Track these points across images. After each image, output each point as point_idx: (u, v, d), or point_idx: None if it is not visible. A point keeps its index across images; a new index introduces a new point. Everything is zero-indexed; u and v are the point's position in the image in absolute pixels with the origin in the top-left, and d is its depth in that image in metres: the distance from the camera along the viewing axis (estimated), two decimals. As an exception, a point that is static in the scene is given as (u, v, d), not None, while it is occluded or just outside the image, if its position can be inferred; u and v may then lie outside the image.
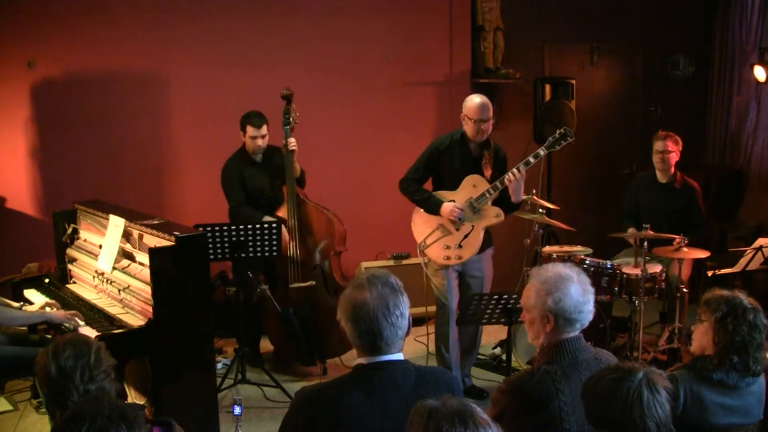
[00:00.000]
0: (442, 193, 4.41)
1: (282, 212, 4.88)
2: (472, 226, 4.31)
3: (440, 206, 4.33)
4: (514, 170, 4.15)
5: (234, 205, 4.92)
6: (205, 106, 5.81)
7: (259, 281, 4.69)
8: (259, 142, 4.84)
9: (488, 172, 4.31)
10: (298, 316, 4.74)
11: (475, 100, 4.30)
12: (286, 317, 4.73)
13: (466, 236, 4.32)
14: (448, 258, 4.36)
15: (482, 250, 4.39)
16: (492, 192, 4.24)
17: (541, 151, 4.16)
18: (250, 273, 4.57)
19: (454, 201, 4.33)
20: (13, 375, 4.07)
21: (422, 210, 4.46)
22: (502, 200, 4.32)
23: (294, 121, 4.83)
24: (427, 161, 4.46)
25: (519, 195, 4.23)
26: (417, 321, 4.37)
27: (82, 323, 3.67)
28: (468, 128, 4.32)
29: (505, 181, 4.17)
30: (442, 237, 4.37)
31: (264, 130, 4.84)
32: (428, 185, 4.53)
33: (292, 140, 4.80)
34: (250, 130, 4.82)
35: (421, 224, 4.47)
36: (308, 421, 2.03)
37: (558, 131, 4.17)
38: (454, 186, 4.38)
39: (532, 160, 4.16)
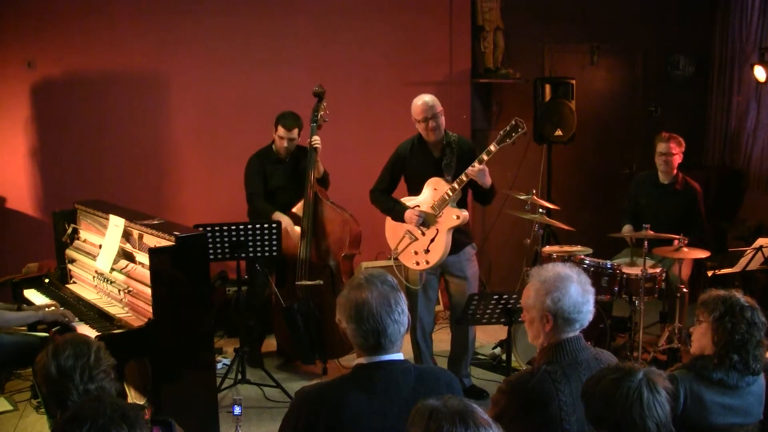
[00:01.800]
0: (408, 199, 4.41)
1: (298, 209, 4.88)
2: (437, 230, 4.29)
3: (404, 213, 4.34)
4: (468, 171, 4.10)
5: (248, 195, 4.94)
6: (205, 106, 5.82)
7: (268, 279, 4.70)
8: (285, 143, 4.83)
9: (450, 173, 4.26)
10: (302, 314, 4.75)
11: (417, 102, 4.29)
12: (289, 313, 4.74)
13: (432, 240, 4.30)
14: (418, 263, 4.36)
15: (459, 249, 4.36)
16: (451, 194, 4.19)
17: (492, 147, 4.08)
18: (258, 265, 4.57)
19: (419, 206, 4.32)
20: (11, 365, 4.06)
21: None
22: (477, 193, 4.29)
23: (323, 119, 4.83)
24: (392, 169, 4.48)
25: (485, 180, 4.14)
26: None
27: (75, 320, 3.67)
28: (420, 130, 4.32)
29: (462, 177, 4.12)
30: (411, 243, 4.35)
31: (294, 133, 4.82)
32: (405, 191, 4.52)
33: (316, 138, 4.80)
34: (281, 131, 4.82)
35: (392, 232, 4.48)
36: (308, 421, 2.03)
37: (509, 124, 4.09)
38: (419, 191, 4.37)
39: (485, 157, 4.09)
